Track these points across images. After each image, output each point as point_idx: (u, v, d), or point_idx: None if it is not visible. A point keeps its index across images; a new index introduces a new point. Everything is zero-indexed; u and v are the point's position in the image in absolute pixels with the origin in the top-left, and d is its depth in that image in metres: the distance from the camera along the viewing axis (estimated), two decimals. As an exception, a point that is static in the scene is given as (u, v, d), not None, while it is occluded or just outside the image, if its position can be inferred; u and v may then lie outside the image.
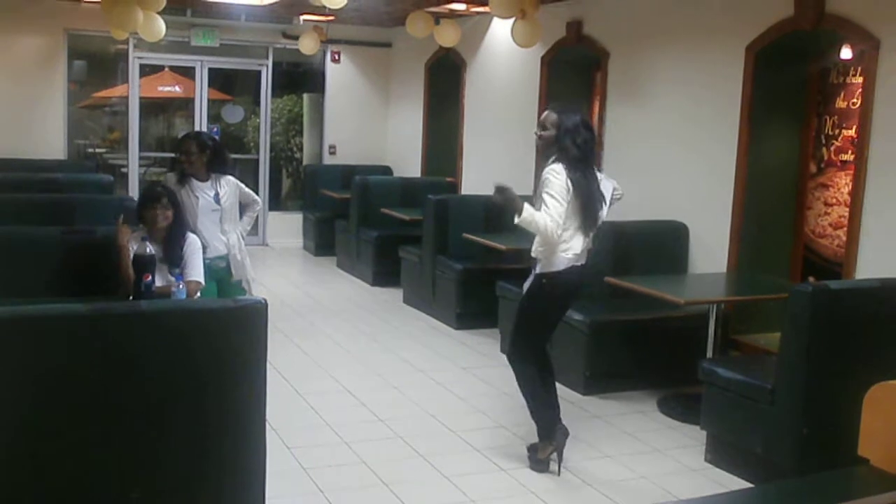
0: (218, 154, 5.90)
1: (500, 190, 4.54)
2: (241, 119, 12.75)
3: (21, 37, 10.40)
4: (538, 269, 4.64)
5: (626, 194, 5.15)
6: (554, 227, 4.41)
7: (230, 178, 5.92)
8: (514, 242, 6.84)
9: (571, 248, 4.58)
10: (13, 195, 6.99)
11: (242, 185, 6.06)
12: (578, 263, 4.65)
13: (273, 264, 10.97)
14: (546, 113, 4.64)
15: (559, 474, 4.67)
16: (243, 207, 6.06)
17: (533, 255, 4.67)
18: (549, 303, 4.75)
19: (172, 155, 12.31)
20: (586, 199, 4.53)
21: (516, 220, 4.48)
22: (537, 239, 4.59)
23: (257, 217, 6.38)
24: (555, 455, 4.69)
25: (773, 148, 6.51)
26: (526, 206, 4.47)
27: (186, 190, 5.73)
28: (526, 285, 4.74)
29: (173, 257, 4.98)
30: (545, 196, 4.45)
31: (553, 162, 4.51)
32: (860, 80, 6.05)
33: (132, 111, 11.17)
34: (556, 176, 4.45)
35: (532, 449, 4.80)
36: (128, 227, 5.00)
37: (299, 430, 5.21)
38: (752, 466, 4.70)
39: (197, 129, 11.40)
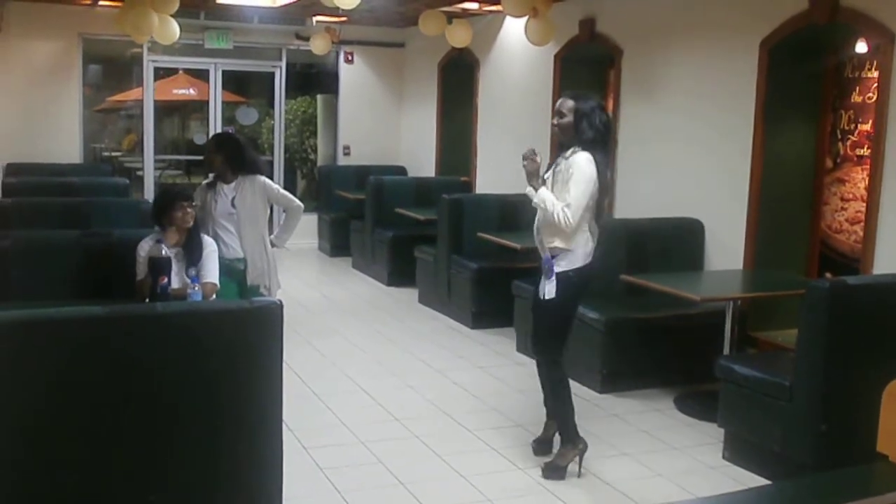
0: (236, 152, 5.81)
1: (532, 157, 4.50)
2: (256, 121, 12.80)
3: (36, 42, 10.45)
4: (563, 267, 4.52)
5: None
6: (565, 220, 4.40)
7: (258, 178, 5.79)
8: (529, 241, 6.82)
9: (590, 238, 4.58)
10: (30, 199, 7.05)
11: (273, 187, 5.91)
12: (594, 252, 4.65)
13: (288, 265, 10.97)
14: (561, 100, 4.60)
15: (579, 476, 4.62)
16: (284, 211, 6.05)
17: (549, 251, 4.56)
18: (574, 298, 4.69)
19: (190, 158, 12.47)
20: (603, 187, 4.53)
21: (532, 197, 4.52)
22: (551, 231, 4.53)
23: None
24: (577, 458, 4.63)
25: (788, 143, 6.48)
26: (543, 190, 4.49)
27: (212, 193, 5.74)
28: (548, 287, 4.55)
29: (194, 257, 4.99)
30: (572, 185, 4.40)
31: (577, 151, 4.45)
32: (876, 74, 6.02)
33: (147, 114, 11.21)
34: (588, 165, 4.41)
35: (555, 457, 4.69)
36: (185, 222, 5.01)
37: (316, 430, 5.22)
38: (770, 464, 4.67)
39: (212, 131, 11.46)
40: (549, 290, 4.55)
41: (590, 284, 4.73)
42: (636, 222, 6.60)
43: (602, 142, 4.52)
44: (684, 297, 5.44)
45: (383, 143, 12.13)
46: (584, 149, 4.46)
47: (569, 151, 4.51)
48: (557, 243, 4.54)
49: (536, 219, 4.66)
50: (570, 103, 4.53)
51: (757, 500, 2.65)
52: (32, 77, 10.41)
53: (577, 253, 4.55)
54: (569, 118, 4.51)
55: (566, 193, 4.43)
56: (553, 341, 4.72)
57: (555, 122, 4.61)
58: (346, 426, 5.32)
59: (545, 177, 4.60)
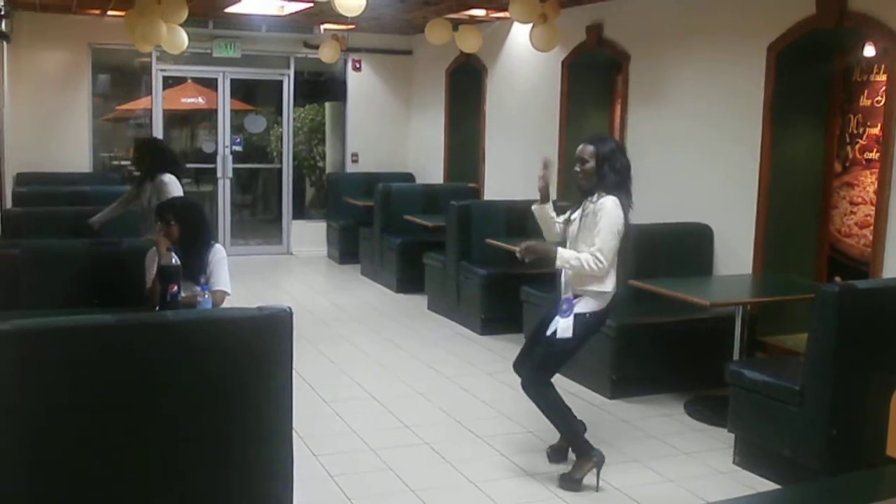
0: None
1: (529, 251, 4.60)
2: (264, 129, 12.82)
3: (46, 52, 10.53)
4: (583, 308, 4.55)
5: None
6: (597, 265, 4.42)
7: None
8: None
9: (613, 279, 4.61)
10: (40, 208, 7.07)
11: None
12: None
13: (297, 272, 11.02)
14: (581, 147, 4.63)
15: (598, 489, 4.58)
16: None
17: (573, 293, 4.56)
18: (585, 339, 4.72)
19: (198, 166, 12.49)
20: (628, 229, 4.58)
21: (556, 263, 4.53)
22: (578, 274, 4.54)
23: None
24: (594, 469, 4.61)
25: (796, 147, 6.47)
26: (560, 251, 4.51)
27: None
28: (564, 325, 4.53)
29: (190, 270, 4.97)
30: (602, 229, 4.43)
31: (603, 195, 4.49)
32: (884, 77, 6.01)
33: (156, 123, 11.26)
34: (616, 208, 4.46)
35: (571, 469, 4.67)
36: (165, 237, 5.02)
37: (326, 437, 5.23)
38: (780, 468, 4.66)
39: (221, 140, 11.52)
40: (563, 328, 4.54)
41: (601, 326, 4.82)
42: (645, 228, 6.56)
43: (624, 184, 4.57)
44: (693, 303, 5.43)
45: (391, 150, 12.16)
46: (608, 193, 4.49)
47: (595, 196, 4.52)
48: (590, 286, 4.56)
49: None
50: (591, 148, 4.57)
51: (767, 505, 2.65)
52: (42, 87, 10.48)
53: (603, 295, 4.59)
54: (591, 164, 4.55)
55: (595, 237, 4.45)
56: (550, 373, 4.75)
57: (578, 168, 4.62)
58: (356, 433, 5.33)
59: (571, 218, 4.62)
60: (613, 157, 4.54)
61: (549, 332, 4.62)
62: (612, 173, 4.51)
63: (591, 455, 4.60)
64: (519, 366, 4.91)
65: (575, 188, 4.91)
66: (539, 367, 4.74)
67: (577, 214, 4.63)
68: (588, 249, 4.46)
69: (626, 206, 4.53)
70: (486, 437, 5.31)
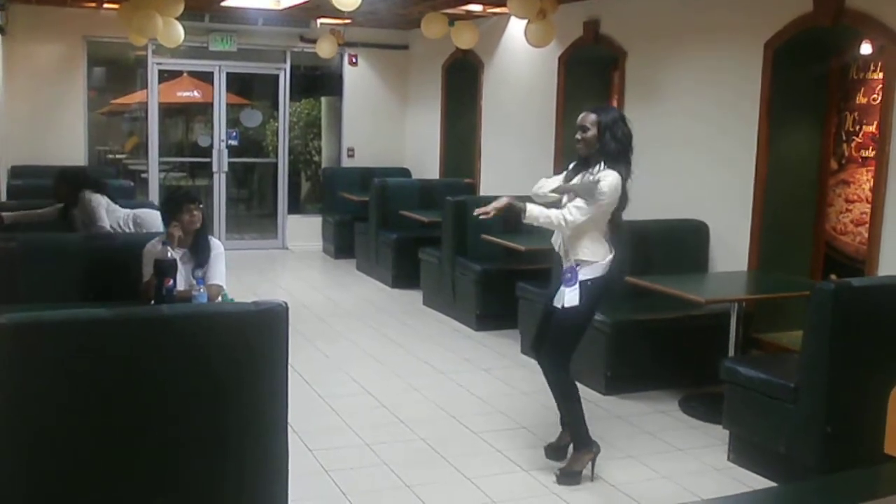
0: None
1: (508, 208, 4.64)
2: (260, 123, 12.80)
3: (41, 45, 10.48)
4: (584, 276, 4.54)
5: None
6: (562, 220, 4.45)
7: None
8: (533, 243, 6.83)
9: (609, 250, 4.61)
10: (35, 201, 7.05)
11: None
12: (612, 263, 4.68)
13: (293, 267, 11.02)
14: (583, 115, 4.61)
15: (592, 479, 4.61)
16: None
17: (574, 261, 4.56)
18: (592, 307, 4.71)
19: (193, 160, 12.47)
20: (625, 201, 4.57)
21: (526, 219, 4.56)
22: (577, 242, 4.54)
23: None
24: (590, 462, 4.63)
25: (793, 145, 6.47)
26: (530, 207, 4.55)
27: None
28: (570, 295, 4.53)
29: (201, 259, 5.02)
30: (596, 194, 4.43)
31: (605, 168, 4.47)
32: (880, 75, 6.02)
33: (151, 117, 11.23)
34: (615, 187, 4.45)
35: (570, 462, 4.68)
36: (178, 228, 5.01)
37: (321, 432, 5.23)
38: (775, 466, 4.67)
39: (216, 133, 11.49)
40: (570, 297, 4.54)
41: (606, 295, 4.76)
42: (641, 224, 6.59)
43: (625, 153, 4.55)
44: (689, 299, 5.43)
45: (387, 145, 12.14)
46: (609, 163, 4.48)
47: (596, 168, 4.50)
48: (582, 255, 4.55)
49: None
50: (593, 117, 4.55)
51: (762, 503, 2.65)
52: (37, 79, 10.44)
53: (599, 264, 4.57)
54: (592, 131, 4.53)
55: (586, 199, 4.46)
56: (565, 349, 4.70)
57: (578, 136, 4.60)
58: (351, 428, 5.33)
59: (569, 186, 4.61)
60: (615, 125, 4.52)
61: (556, 304, 4.60)
62: (614, 142, 4.48)
63: (591, 446, 4.62)
64: (538, 345, 4.86)
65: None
66: (555, 346, 4.69)
67: (575, 182, 4.60)
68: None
69: (626, 177, 4.51)
70: (481, 432, 5.31)
